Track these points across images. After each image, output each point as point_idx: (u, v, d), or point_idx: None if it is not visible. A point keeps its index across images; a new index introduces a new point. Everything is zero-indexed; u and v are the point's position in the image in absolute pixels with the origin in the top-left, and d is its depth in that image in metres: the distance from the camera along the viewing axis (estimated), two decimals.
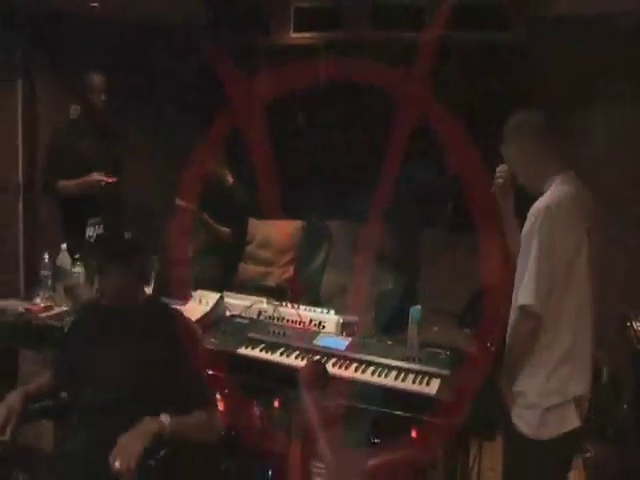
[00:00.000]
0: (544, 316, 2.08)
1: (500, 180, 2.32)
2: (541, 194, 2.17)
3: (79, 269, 3.10)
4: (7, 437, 1.90)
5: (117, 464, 1.70)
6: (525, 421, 2.16)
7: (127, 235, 2.02)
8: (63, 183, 3.74)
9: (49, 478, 1.88)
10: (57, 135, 3.94)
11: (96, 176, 3.66)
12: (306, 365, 2.31)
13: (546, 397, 2.12)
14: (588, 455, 3.02)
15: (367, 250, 3.88)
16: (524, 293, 2.07)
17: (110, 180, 3.67)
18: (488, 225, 2.66)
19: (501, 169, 2.32)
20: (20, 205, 4.53)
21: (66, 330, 2.44)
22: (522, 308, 2.09)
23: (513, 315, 2.19)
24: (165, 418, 1.85)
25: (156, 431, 1.81)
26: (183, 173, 3.70)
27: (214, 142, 3.77)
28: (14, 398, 2.01)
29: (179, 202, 4.10)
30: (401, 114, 3.51)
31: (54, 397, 2.22)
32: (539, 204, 2.11)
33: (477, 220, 2.75)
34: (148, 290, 2.96)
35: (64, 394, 2.22)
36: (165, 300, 2.74)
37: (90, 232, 2.03)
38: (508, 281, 2.21)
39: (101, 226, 2.01)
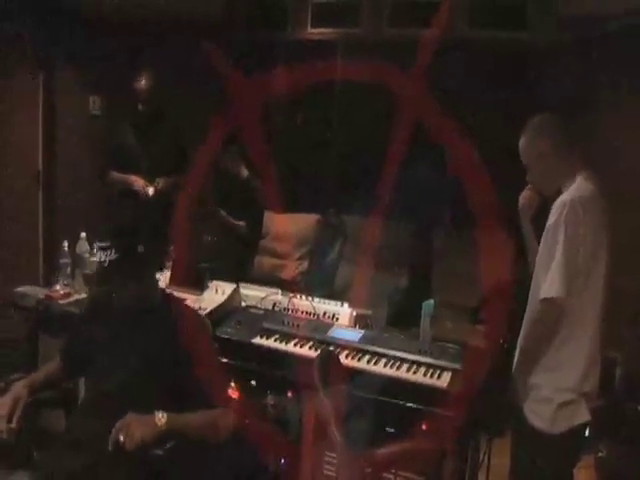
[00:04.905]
0: (567, 308, 2.08)
1: (528, 197, 2.38)
2: (557, 195, 2.19)
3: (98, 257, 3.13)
4: (14, 425, 1.92)
5: (121, 438, 1.75)
6: (538, 415, 2.17)
7: (140, 249, 1.96)
8: (113, 175, 4.01)
9: (60, 460, 1.91)
10: (118, 133, 4.12)
11: (136, 182, 3.89)
12: (319, 354, 2.33)
13: (561, 393, 2.13)
14: (600, 455, 3.01)
15: (379, 244, 3.89)
16: (551, 285, 2.06)
17: (146, 191, 3.87)
18: (490, 224, 2.69)
19: (525, 191, 2.40)
20: (40, 193, 4.60)
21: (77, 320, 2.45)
22: (549, 300, 2.08)
23: (533, 306, 2.20)
24: (159, 418, 1.83)
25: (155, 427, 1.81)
26: (197, 163, 3.75)
27: (221, 135, 3.80)
28: (20, 387, 2.03)
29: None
30: (409, 110, 3.51)
31: (61, 387, 2.24)
32: (565, 197, 2.14)
33: (479, 220, 2.77)
34: (165, 280, 3.01)
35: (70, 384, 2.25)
36: (178, 291, 2.76)
37: (102, 257, 1.96)
38: (514, 279, 2.22)
39: (112, 251, 1.94)
